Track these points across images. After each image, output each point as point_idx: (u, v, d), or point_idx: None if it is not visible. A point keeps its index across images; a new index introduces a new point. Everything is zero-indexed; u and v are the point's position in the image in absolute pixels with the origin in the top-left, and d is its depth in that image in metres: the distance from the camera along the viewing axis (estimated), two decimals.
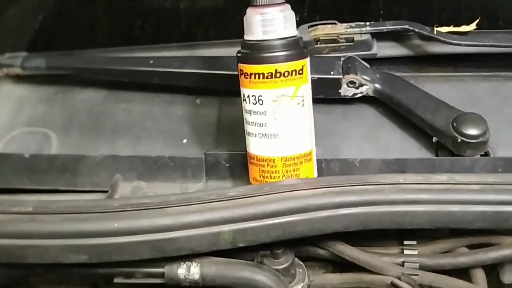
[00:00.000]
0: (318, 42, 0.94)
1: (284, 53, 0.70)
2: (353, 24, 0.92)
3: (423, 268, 0.72)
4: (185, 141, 0.91)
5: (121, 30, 1.14)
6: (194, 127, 0.92)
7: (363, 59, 0.89)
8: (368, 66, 0.88)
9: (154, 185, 0.83)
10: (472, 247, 0.74)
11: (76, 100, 1.00)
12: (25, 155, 0.86)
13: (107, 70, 0.97)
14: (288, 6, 0.71)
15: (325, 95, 0.86)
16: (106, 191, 0.83)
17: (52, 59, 1.01)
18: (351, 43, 0.92)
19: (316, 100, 0.77)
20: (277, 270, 0.70)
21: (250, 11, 0.71)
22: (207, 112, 0.93)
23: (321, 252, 0.74)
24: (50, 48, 1.08)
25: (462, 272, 0.73)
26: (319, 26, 0.94)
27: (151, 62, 0.94)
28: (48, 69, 1.01)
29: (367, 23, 0.92)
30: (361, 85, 0.86)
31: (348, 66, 0.87)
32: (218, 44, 1.00)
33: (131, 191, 0.83)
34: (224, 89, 0.92)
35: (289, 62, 0.70)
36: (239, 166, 0.82)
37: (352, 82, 0.86)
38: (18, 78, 1.05)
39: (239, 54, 0.73)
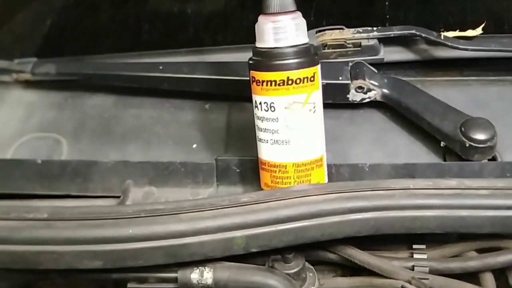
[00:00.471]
0: (326, 47, 0.94)
1: (296, 60, 0.70)
2: (360, 29, 0.93)
3: (433, 272, 0.73)
4: (194, 146, 0.91)
5: (130, 36, 1.14)
6: (203, 132, 0.93)
7: (370, 64, 0.90)
8: (376, 71, 0.89)
9: (165, 190, 0.84)
10: (481, 251, 0.75)
11: (85, 106, 1.01)
12: (37, 161, 0.87)
13: (116, 75, 0.97)
14: (299, 13, 0.72)
15: (333, 100, 0.87)
16: (118, 197, 0.84)
17: (61, 64, 1.02)
18: (359, 48, 0.93)
19: (324, 105, 0.77)
20: (288, 274, 0.71)
21: (262, 19, 0.72)
22: (216, 117, 0.94)
23: (331, 256, 0.75)
24: (59, 53, 1.08)
25: (472, 276, 0.73)
26: (326, 31, 0.95)
27: (161, 67, 0.95)
28: (58, 74, 1.01)
29: (374, 28, 0.93)
30: (369, 90, 0.87)
31: (356, 71, 0.87)
32: (226, 49, 1.01)
33: (142, 196, 0.84)
34: (233, 94, 0.92)
35: (301, 70, 0.71)
36: (249, 171, 0.82)
37: (360, 87, 0.87)
38: (28, 84, 1.05)
39: (251, 62, 0.73)
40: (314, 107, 0.73)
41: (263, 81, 0.71)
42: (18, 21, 1.14)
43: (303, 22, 0.72)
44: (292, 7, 0.71)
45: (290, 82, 0.70)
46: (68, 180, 0.86)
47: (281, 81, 0.70)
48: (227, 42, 1.03)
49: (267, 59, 0.71)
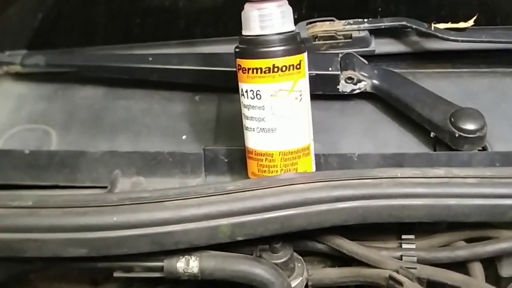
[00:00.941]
0: (316, 39, 0.94)
1: (282, 48, 0.70)
2: (351, 21, 0.93)
3: (421, 261, 0.72)
4: (184, 137, 0.91)
5: (120, 28, 1.15)
6: (193, 124, 0.92)
7: (361, 56, 0.89)
8: (366, 62, 0.88)
9: (153, 180, 0.84)
10: (469, 240, 0.74)
11: (75, 97, 1.00)
12: (25, 151, 0.87)
13: (106, 67, 0.97)
14: (285, 1, 0.71)
15: (323, 91, 0.87)
16: (106, 187, 0.83)
17: (51, 56, 1.02)
18: (349, 40, 0.93)
19: (314, 96, 0.77)
20: (276, 264, 0.70)
21: (247, 6, 0.71)
22: (206, 109, 0.94)
23: (320, 246, 0.74)
24: (49, 45, 1.08)
25: (460, 266, 0.73)
26: (317, 23, 0.95)
27: (150, 59, 0.95)
28: (48, 66, 1.01)
29: (365, 20, 0.92)
30: (359, 81, 0.87)
31: (346, 63, 0.87)
32: (217, 41, 1.01)
33: (130, 186, 0.83)
34: (222, 85, 0.92)
35: (287, 57, 0.70)
36: (237, 161, 0.82)
37: (350, 78, 0.87)
38: (18, 76, 1.05)
39: (237, 49, 0.73)
40: (300, 95, 0.72)
41: (249, 69, 0.71)
42: (9, 14, 1.14)
43: (289, 9, 0.72)
44: None
45: (276, 69, 0.70)
46: (56, 171, 0.86)
47: (267, 69, 0.70)
48: (217, 34, 1.03)
49: (252, 47, 0.71)
